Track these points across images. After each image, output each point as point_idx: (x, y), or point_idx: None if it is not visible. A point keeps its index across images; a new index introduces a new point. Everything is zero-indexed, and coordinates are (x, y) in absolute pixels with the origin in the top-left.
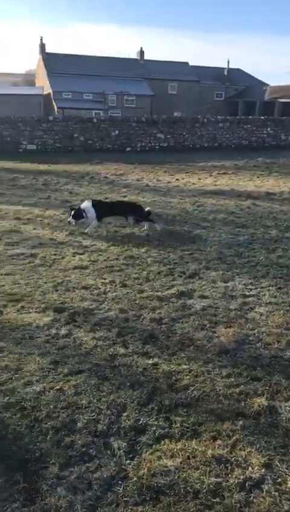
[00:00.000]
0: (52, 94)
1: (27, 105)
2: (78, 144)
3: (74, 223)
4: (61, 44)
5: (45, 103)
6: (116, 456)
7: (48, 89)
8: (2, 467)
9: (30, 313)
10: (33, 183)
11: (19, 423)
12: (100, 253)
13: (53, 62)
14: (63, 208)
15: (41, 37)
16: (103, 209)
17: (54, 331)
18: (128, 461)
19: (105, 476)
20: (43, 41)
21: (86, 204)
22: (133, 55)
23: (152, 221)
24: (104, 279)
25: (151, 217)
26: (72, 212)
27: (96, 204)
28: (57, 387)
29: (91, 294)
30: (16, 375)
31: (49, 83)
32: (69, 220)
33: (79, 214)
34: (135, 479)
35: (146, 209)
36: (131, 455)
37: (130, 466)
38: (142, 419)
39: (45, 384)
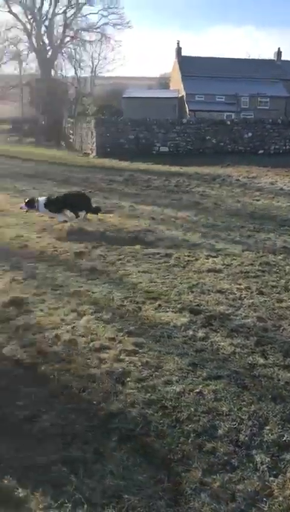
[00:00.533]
0: (185, 97)
1: (162, 108)
2: (210, 146)
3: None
4: (196, 47)
5: (178, 106)
6: (259, 470)
7: (181, 92)
8: (145, 463)
9: (167, 312)
10: (165, 185)
11: (161, 421)
12: (234, 257)
13: (187, 65)
14: (194, 209)
15: (178, 41)
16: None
17: (191, 332)
18: (272, 478)
19: (249, 489)
20: (180, 45)
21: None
22: (268, 56)
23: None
24: (239, 284)
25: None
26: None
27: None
28: (197, 390)
29: (226, 298)
30: (156, 373)
31: (182, 86)
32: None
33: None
34: (280, 498)
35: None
36: (275, 472)
37: (274, 483)
38: (286, 435)
39: (184, 386)
